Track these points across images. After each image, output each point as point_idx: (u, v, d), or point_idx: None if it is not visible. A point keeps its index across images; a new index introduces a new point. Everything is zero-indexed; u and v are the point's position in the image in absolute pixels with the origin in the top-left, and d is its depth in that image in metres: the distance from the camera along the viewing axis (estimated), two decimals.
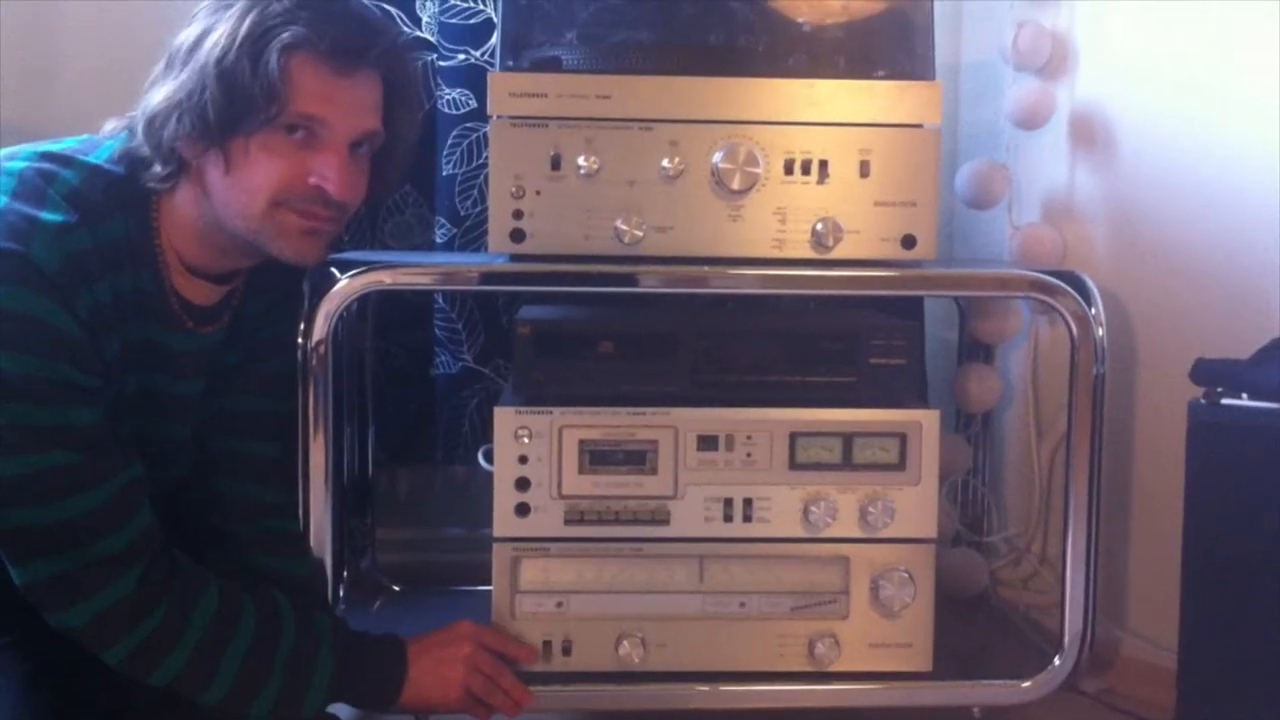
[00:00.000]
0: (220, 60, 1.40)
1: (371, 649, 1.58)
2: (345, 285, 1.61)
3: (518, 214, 1.63)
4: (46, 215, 1.38)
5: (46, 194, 1.40)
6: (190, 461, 1.64)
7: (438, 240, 2.07)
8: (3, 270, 1.34)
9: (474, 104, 2.01)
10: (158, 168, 1.45)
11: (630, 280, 1.64)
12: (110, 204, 1.43)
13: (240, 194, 1.45)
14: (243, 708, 1.49)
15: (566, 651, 1.68)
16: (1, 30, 2.07)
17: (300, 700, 1.51)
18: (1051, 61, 2.06)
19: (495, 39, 1.97)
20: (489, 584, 1.68)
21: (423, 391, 2.14)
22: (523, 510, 1.66)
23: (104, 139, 1.49)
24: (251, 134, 1.44)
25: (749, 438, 1.67)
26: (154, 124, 1.43)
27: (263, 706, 1.49)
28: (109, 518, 1.40)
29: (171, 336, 1.51)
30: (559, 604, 1.68)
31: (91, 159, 1.46)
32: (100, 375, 1.40)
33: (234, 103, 1.41)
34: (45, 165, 1.43)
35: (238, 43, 1.40)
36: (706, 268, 1.65)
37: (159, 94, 1.43)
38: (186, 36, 1.44)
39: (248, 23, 1.41)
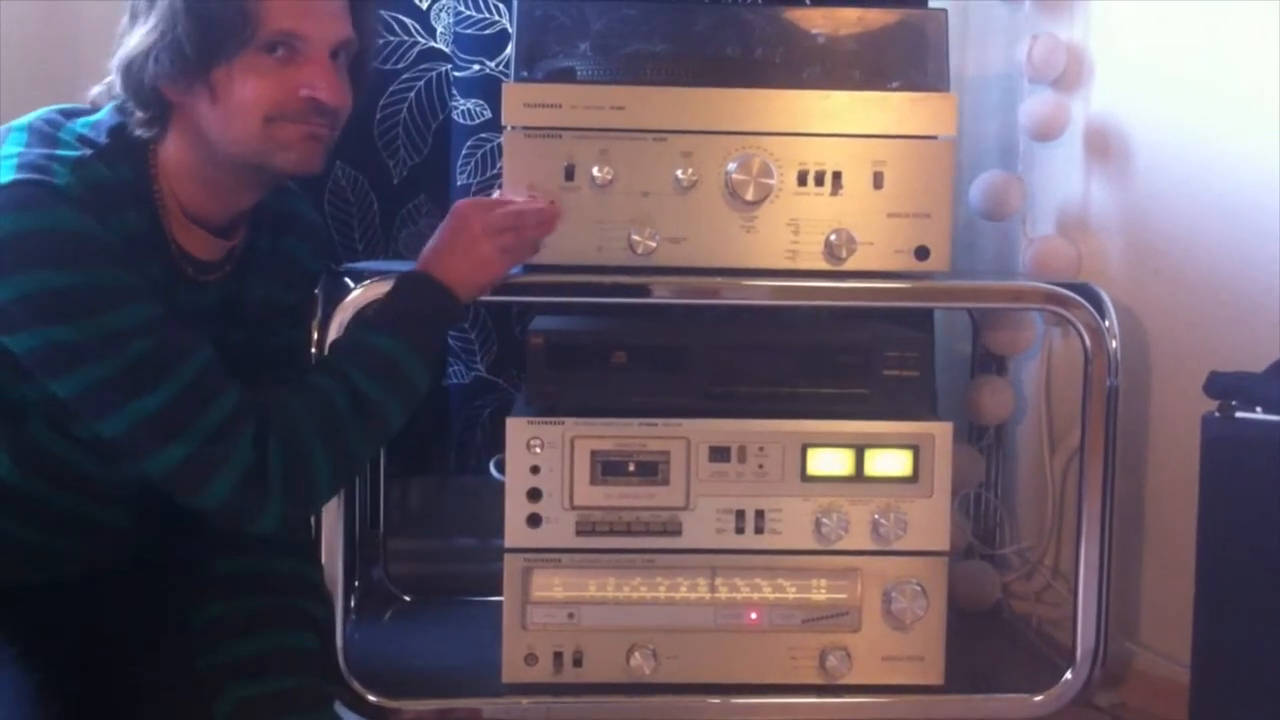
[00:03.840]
0: None
1: (407, 301, 1.58)
2: (359, 294, 1.62)
3: None
4: (62, 152, 1.40)
5: (58, 138, 1.43)
6: None
7: None
8: (32, 198, 1.36)
9: (488, 114, 2.02)
10: (140, 113, 1.45)
11: (643, 291, 1.64)
12: (114, 148, 1.45)
13: (233, 119, 1.46)
14: (391, 435, 1.57)
15: (578, 663, 1.68)
16: (18, 32, 2.08)
17: (414, 388, 1.54)
18: (1066, 73, 2.06)
19: (510, 50, 1.97)
20: (500, 595, 1.68)
21: (435, 401, 2.13)
22: (534, 521, 1.66)
23: (104, 103, 1.51)
24: (232, 60, 1.44)
25: (761, 449, 1.67)
26: (131, 70, 1.43)
27: (402, 418, 1.54)
28: (206, 391, 1.42)
29: (175, 288, 1.52)
30: (570, 615, 1.68)
31: (93, 116, 1.49)
32: (147, 277, 1.42)
33: (209, 32, 1.41)
34: (52, 116, 1.47)
35: None
36: (719, 279, 1.65)
37: (130, 41, 1.43)
38: None
39: None
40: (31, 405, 1.43)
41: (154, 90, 1.44)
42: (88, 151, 1.42)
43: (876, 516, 1.67)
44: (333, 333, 1.60)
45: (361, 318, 1.61)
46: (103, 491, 1.48)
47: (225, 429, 1.42)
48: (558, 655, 1.68)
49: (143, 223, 1.46)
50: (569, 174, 1.63)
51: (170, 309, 1.50)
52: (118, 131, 1.46)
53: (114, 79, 1.46)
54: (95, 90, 1.51)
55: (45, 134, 1.43)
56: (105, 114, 1.48)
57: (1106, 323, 1.68)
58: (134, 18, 1.45)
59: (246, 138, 1.47)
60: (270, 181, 1.55)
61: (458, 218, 1.61)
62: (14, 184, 1.36)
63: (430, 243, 1.62)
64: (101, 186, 1.40)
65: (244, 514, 1.45)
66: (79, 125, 1.46)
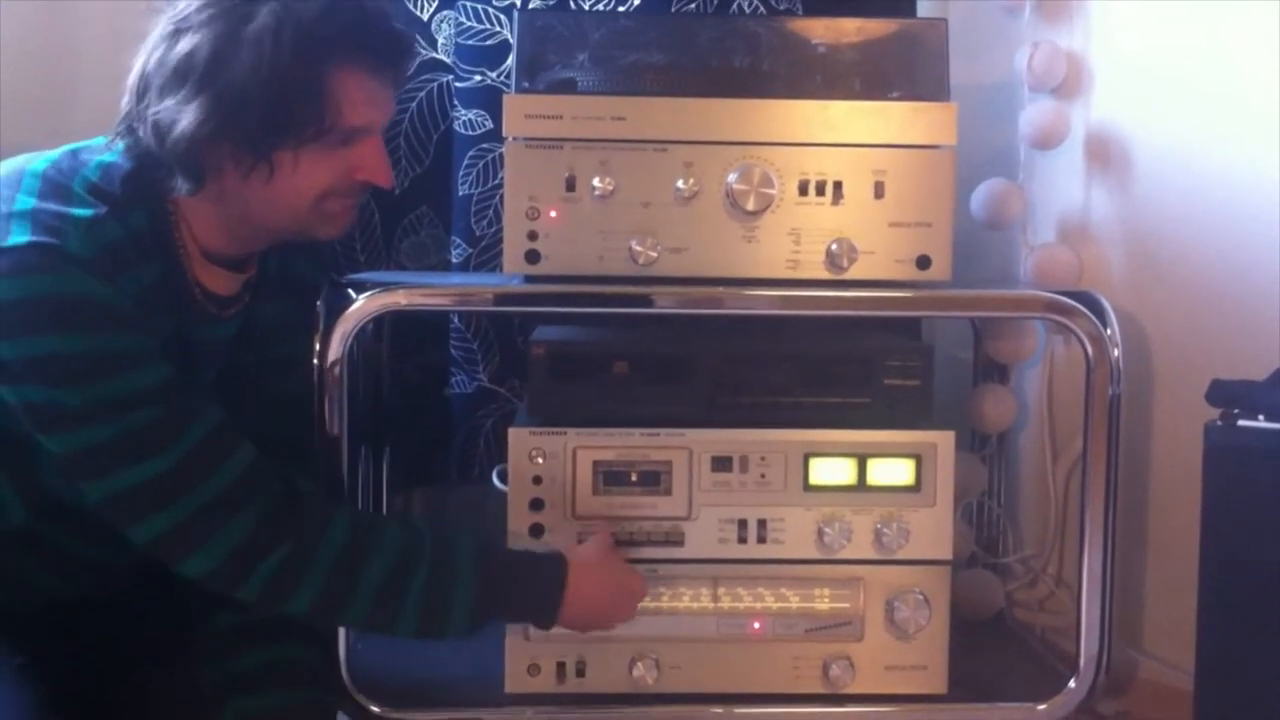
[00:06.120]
0: (268, 80, 1.39)
1: (525, 577, 1.57)
2: (361, 306, 1.61)
3: (532, 235, 1.64)
4: (76, 211, 1.39)
5: (71, 190, 1.41)
6: None
7: (453, 260, 2.07)
8: (43, 262, 1.35)
9: (490, 125, 2.02)
10: (183, 182, 1.44)
11: (645, 301, 1.64)
12: (129, 197, 1.44)
13: (287, 198, 1.48)
14: (384, 631, 1.54)
15: (580, 673, 1.68)
16: (18, 38, 2.08)
17: (441, 628, 1.52)
18: (1066, 82, 2.06)
19: (511, 61, 1.97)
20: None
21: (438, 411, 2.14)
22: (537, 531, 1.66)
23: (116, 140, 1.49)
24: (300, 147, 1.45)
25: (763, 459, 1.67)
26: (188, 145, 1.41)
27: (404, 631, 1.51)
28: (207, 461, 1.42)
29: (196, 326, 1.52)
30: None
31: (105, 157, 1.47)
32: (158, 338, 1.43)
33: (285, 124, 1.42)
34: (64, 163, 1.45)
35: (285, 62, 1.39)
36: (721, 289, 1.65)
37: (184, 115, 1.40)
38: (193, 49, 1.40)
39: (288, 40, 1.39)
40: (44, 453, 1.41)
41: (204, 163, 1.44)
42: (101, 209, 1.40)
43: (879, 526, 1.67)
44: (334, 344, 1.60)
45: (487, 549, 1.58)
46: (114, 534, 1.48)
47: (222, 501, 1.42)
48: (560, 665, 1.68)
49: (161, 271, 1.46)
50: (570, 185, 1.63)
51: (191, 349, 1.50)
52: (133, 179, 1.45)
53: (149, 142, 1.42)
54: (112, 135, 1.48)
55: (58, 185, 1.41)
56: (118, 156, 1.46)
57: (1108, 331, 1.68)
58: (180, 80, 1.41)
59: (295, 214, 1.49)
60: (298, 239, 1.57)
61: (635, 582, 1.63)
62: (28, 246, 1.35)
63: (597, 553, 1.61)
64: (114, 247, 1.39)
65: (224, 583, 1.45)
66: (91, 171, 1.44)
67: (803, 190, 1.65)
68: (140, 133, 1.44)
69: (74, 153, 1.47)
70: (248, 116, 1.40)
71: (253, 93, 1.39)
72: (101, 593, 1.59)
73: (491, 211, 2.03)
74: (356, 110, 1.47)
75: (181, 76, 1.41)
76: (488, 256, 2.04)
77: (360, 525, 1.50)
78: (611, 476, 1.66)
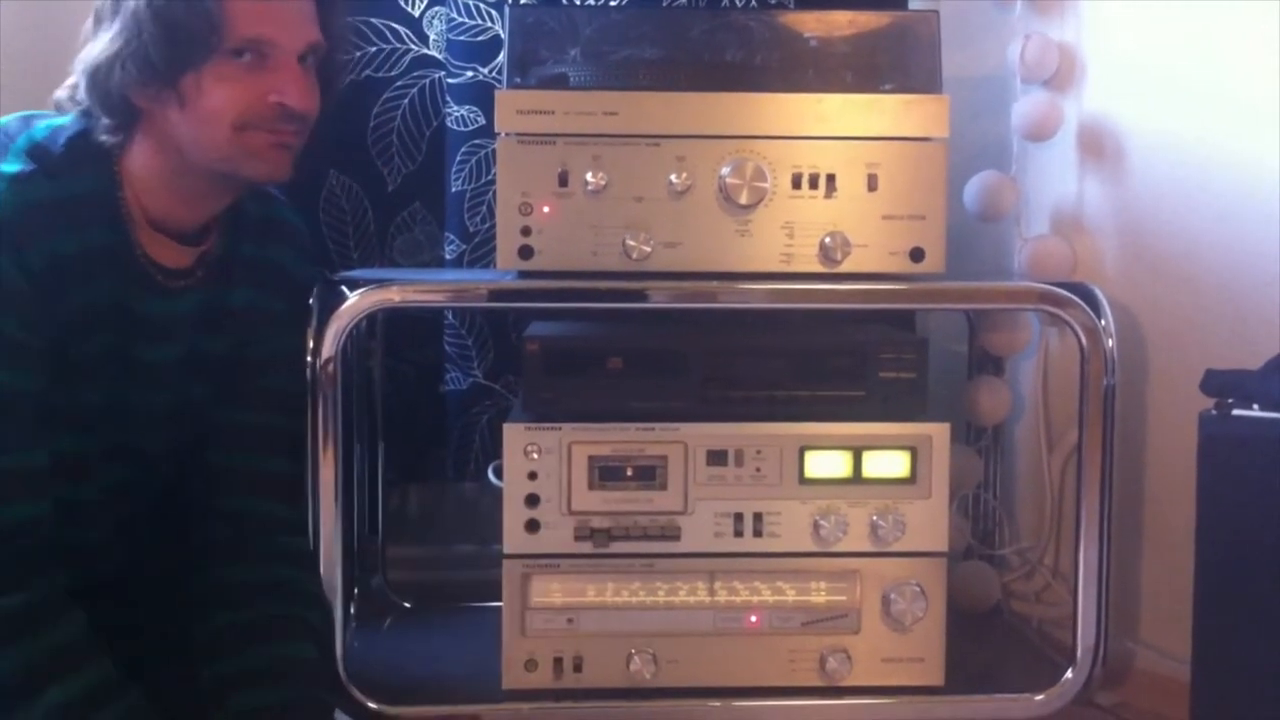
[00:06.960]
0: (152, 1, 1.40)
1: None
2: (354, 302, 1.61)
3: (526, 231, 1.64)
4: (5, 166, 1.40)
5: (8, 148, 1.43)
6: (172, 439, 1.61)
7: (447, 257, 2.07)
8: None
9: (482, 121, 2.02)
10: (106, 120, 1.45)
11: (639, 296, 1.64)
12: (73, 158, 1.45)
13: (203, 126, 1.46)
14: None
15: (577, 668, 1.68)
16: (17, 47, 2.08)
17: None
18: (1059, 73, 2.06)
19: (503, 56, 1.97)
20: (499, 601, 1.68)
21: (433, 408, 2.14)
22: (533, 527, 1.66)
23: (70, 108, 1.50)
24: (200, 67, 1.44)
25: (759, 452, 1.67)
26: (97, 77, 1.43)
27: None
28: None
29: (141, 298, 1.51)
30: (569, 620, 1.67)
31: (58, 120, 1.48)
32: (44, 334, 1.40)
33: (175, 39, 1.42)
34: (13, 127, 1.46)
35: None
36: (715, 283, 1.65)
37: (96, 47, 1.43)
38: None
39: None
40: None
41: (121, 97, 1.44)
42: (32, 166, 1.41)
43: (875, 518, 1.67)
44: (328, 341, 1.60)
45: None
46: (82, 514, 1.46)
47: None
48: (558, 661, 1.68)
49: (103, 234, 1.46)
50: (563, 180, 1.63)
51: (138, 321, 1.49)
52: (79, 140, 1.46)
53: (78, 84, 1.46)
54: (59, 94, 1.51)
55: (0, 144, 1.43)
56: (69, 120, 1.48)
57: (1102, 322, 1.68)
58: (98, 22, 1.45)
59: (216, 146, 1.47)
60: (238, 189, 1.55)
61: None
62: None
63: None
64: (37, 207, 1.39)
65: None
66: (39, 131, 1.45)
67: (796, 184, 1.65)
68: (80, 85, 1.46)
69: (28, 118, 1.49)
70: (145, 40, 1.41)
71: (144, 13, 1.41)
72: (100, 579, 1.58)
73: (485, 207, 2.03)
74: (244, 20, 1.45)
75: (98, 18, 1.45)
76: (481, 253, 2.04)
77: (79, 643, 1.41)
78: (607, 471, 1.66)
